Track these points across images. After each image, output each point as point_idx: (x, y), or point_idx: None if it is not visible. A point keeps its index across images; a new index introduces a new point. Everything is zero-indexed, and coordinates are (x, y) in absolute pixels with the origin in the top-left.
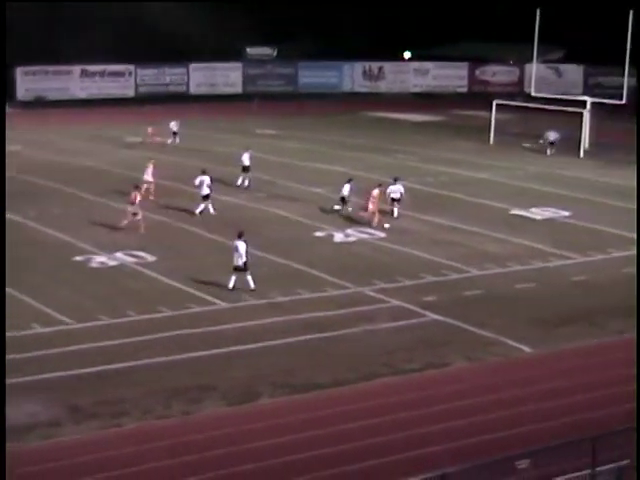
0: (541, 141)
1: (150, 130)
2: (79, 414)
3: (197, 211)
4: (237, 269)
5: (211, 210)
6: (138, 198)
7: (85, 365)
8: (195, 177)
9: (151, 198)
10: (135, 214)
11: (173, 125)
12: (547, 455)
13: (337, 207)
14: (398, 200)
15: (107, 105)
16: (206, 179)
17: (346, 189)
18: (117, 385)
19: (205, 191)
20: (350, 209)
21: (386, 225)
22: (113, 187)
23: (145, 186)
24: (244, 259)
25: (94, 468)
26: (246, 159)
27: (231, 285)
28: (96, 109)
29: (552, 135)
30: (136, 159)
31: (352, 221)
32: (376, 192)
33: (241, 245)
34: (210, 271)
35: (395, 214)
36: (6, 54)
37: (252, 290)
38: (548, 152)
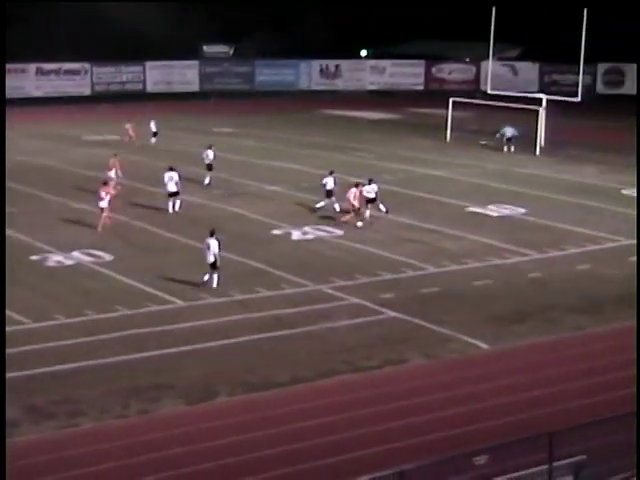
0: (497, 136)
1: (128, 127)
2: (36, 414)
3: (170, 209)
4: (210, 266)
5: (176, 207)
6: (105, 194)
7: (42, 365)
8: (162, 174)
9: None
10: (103, 209)
11: (153, 125)
12: (504, 451)
13: (320, 204)
14: (373, 200)
15: (63, 104)
16: (174, 176)
17: (330, 182)
18: (74, 385)
19: (172, 188)
20: (336, 204)
21: (358, 224)
22: (70, 186)
23: (112, 183)
24: (215, 258)
25: (52, 468)
26: (209, 157)
27: (214, 284)
28: (52, 108)
29: (509, 131)
30: (94, 157)
31: (310, 219)
32: (354, 191)
33: (213, 243)
34: (168, 270)
35: (367, 215)
36: None
37: (213, 289)
38: (505, 149)
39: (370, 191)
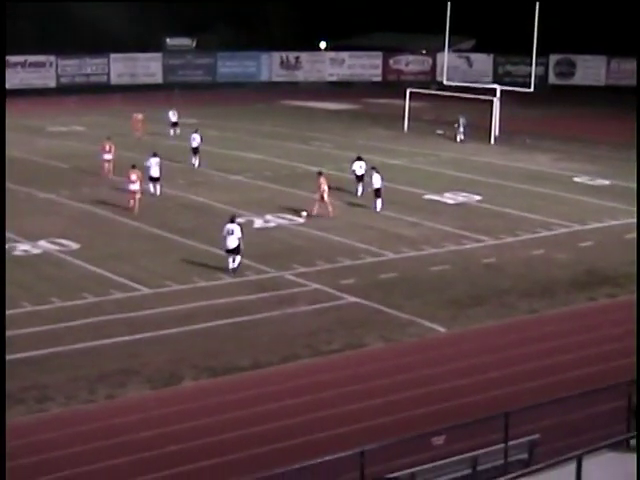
0: (456, 126)
1: (139, 118)
2: (6, 400)
3: (153, 192)
4: (229, 251)
5: (158, 191)
6: (134, 177)
7: (10, 351)
8: (147, 159)
9: (110, 176)
10: (134, 192)
11: (172, 115)
12: (462, 431)
13: (360, 191)
14: (379, 190)
15: (29, 96)
16: (157, 161)
17: (360, 167)
18: (42, 371)
19: (155, 173)
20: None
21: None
22: (36, 176)
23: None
24: (239, 242)
25: (22, 453)
26: (196, 140)
27: (231, 266)
28: (18, 100)
29: (461, 120)
30: (58, 148)
31: (271, 207)
32: (323, 180)
33: (236, 228)
34: (133, 258)
35: (378, 207)
36: None
37: (232, 271)
38: (458, 138)
39: (376, 181)
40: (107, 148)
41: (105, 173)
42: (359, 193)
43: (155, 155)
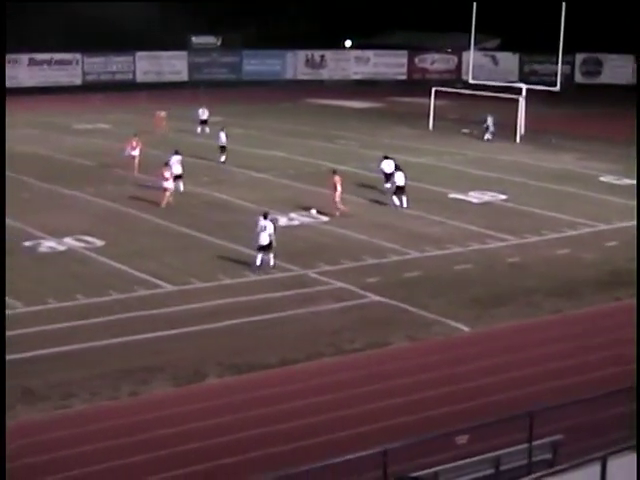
0: (485, 126)
1: (162, 115)
2: (31, 396)
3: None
4: (262, 248)
5: (181, 188)
6: (168, 174)
7: (35, 348)
8: (169, 157)
9: (135, 173)
10: (167, 189)
11: (202, 112)
12: (485, 430)
13: (387, 186)
14: (403, 188)
15: (55, 93)
16: (179, 158)
17: (389, 165)
18: (67, 368)
19: (177, 170)
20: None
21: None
22: (61, 173)
23: (134, 161)
24: (270, 239)
25: (46, 449)
26: (223, 138)
27: (258, 262)
28: (44, 97)
29: (489, 120)
30: (84, 146)
31: (296, 205)
32: (337, 179)
33: (269, 225)
34: (158, 255)
35: (404, 204)
36: None
37: (273, 267)
38: (486, 137)
39: (399, 179)
40: (134, 144)
41: (131, 169)
42: (387, 186)
43: (177, 153)
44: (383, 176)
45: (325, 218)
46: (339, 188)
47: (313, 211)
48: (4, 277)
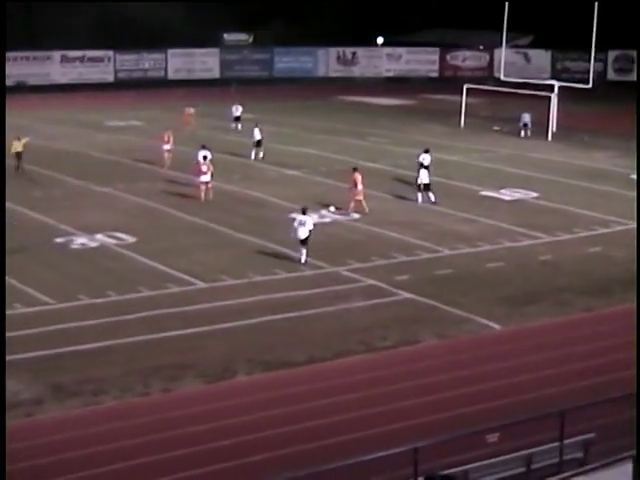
0: (522, 124)
1: (190, 112)
2: (61, 392)
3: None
4: (302, 242)
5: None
6: (205, 168)
7: (66, 344)
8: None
9: (167, 165)
10: (205, 183)
11: (235, 109)
12: (516, 429)
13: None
14: (428, 185)
15: (87, 90)
16: (207, 154)
17: (427, 159)
18: (97, 364)
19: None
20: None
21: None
22: (93, 170)
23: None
24: (309, 234)
25: (76, 445)
26: (257, 134)
27: (303, 259)
28: (76, 94)
29: (526, 117)
30: (115, 142)
31: (327, 202)
32: (358, 176)
33: (308, 220)
34: (189, 252)
35: (432, 199)
36: None
37: (303, 264)
38: (522, 134)
39: (424, 176)
40: (166, 139)
41: (164, 163)
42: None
43: (204, 148)
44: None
45: (340, 216)
46: (360, 186)
47: (332, 208)
48: (4, 277)
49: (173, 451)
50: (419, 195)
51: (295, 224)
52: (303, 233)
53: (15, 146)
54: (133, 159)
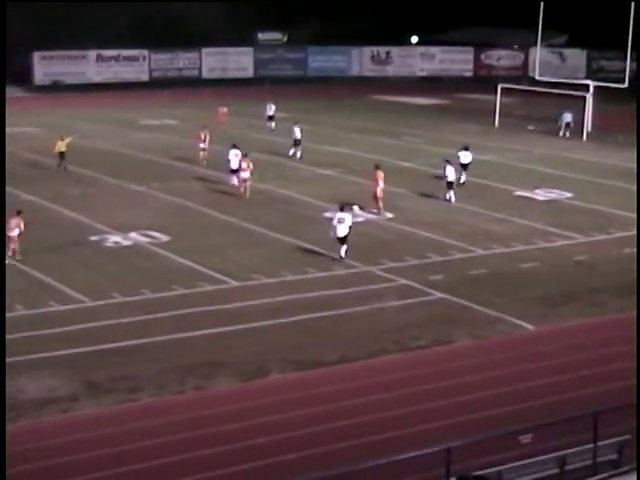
0: (564, 123)
1: (223, 110)
2: (96, 389)
3: (232, 183)
4: (340, 239)
5: (235, 182)
6: (245, 164)
7: (101, 342)
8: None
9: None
10: (245, 180)
11: (268, 108)
12: (550, 430)
13: (463, 179)
14: (452, 183)
15: (122, 89)
16: (238, 153)
17: (467, 156)
18: (132, 361)
19: (235, 165)
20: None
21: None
22: (127, 169)
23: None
24: (349, 230)
25: (110, 442)
26: (297, 132)
27: (341, 254)
28: (111, 93)
29: (567, 117)
30: (150, 141)
31: (360, 202)
32: (380, 174)
33: (347, 217)
34: (222, 250)
35: (453, 199)
36: (25, 39)
37: (341, 259)
38: (561, 134)
39: (450, 174)
40: (202, 137)
41: (200, 161)
42: (462, 180)
43: (235, 147)
44: (460, 166)
45: (371, 215)
46: (381, 184)
47: (355, 207)
48: (4, 277)
49: (207, 449)
50: (452, 194)
51: (334, 222)
52: (342, 231)
53: (59, 146)
54: (167, 158)
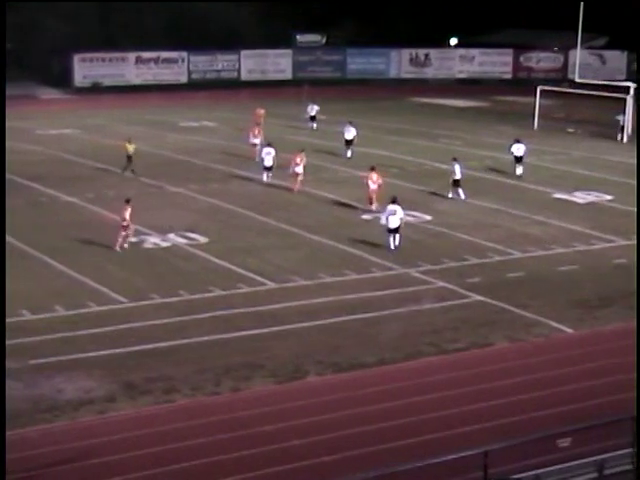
0: (620, 125)
1: (260, 112)
2: (133, 390)
3: (265, 180)
4: (392, 230)
5: (265, 178)
6: (299, 159)
7: (138, 343)
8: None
9: (296, 188)
10: (298, 174)
11: (310, 109)
12: (588, 434)
13: (519, 171)
14: (458, 181)
15: (161, 91)
16: (272, 151)
17: (516, 148)
18: (169, 362)
19: (269, 162)
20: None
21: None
22: (166, 170)
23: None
24: (400, 222)
25: (147, 442)
26: (349, 132)
27: (392, 245)
28: (150, 95)
29: (622, 119)
30: (189, 143)
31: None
32: (373, 175)
33: (398, 209)
34: (260, 252)
35: (462, 196)
36: (64, 41)
37: (394, 249)
38: (619, 137)
39: (457, 172)
40: (255, 132)
41: (253, 156)
42: (518, 173)
43: (269, 145)
44: (513, 159)
45: (429, 218)
46: (372, 185)
47: (374, 206)
48: (4, 277)
49: (242, 450)
50: (460, 191)
51: (386, 213)
52: (394, 222)
53: (127, 149)
54: (206, 159)
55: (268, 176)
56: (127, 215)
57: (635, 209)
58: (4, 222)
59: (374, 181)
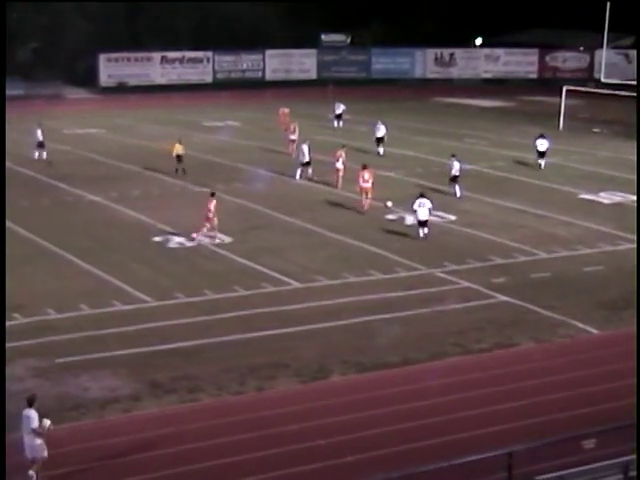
0: None
1: (285, 111)
2: (158, 389)
3: (297, 177)
4: (421, 223)
5: (302, 176)
6: (368, 175)
7: (163, 342)
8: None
9: (338, 186)
10: (339, 170)
11: (337, 107)
12: (613, 435)
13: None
14: (456, 177)
15: (186, 91)
16: (305, 147)
17: (539, 143)
18: (194, 362)
19: (305, 158)
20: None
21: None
22: (191, 170)
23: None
24: (429, 213)
25: (172, 441)
26: (379, 130)
27: (422, 234)
28: (175, 95)
29: None
30: (213, 142)
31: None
32: (364, 174)
33: (427, 202)
34: (285, 252)
35: (458, 194)
36: (90, 41)
37: (423, 237)
38: None
39: (455, 168)
40: (292, 129)
41: (289, 152)
42: (542, 167)
43: (304, 142)
44: (536, 154)
45: (453, 218)
46: (362, 183)
47: (389, 203)
48: (4, 277)
49: (266, 450)
50: (457, 188)
51: (415, 206)
52: (423, 214)
53: (177, 149)
54: (230, 159)
55: (302, 172)
56: (212, 207)
57: None
58: (4, 222)
59: (365, 180)
